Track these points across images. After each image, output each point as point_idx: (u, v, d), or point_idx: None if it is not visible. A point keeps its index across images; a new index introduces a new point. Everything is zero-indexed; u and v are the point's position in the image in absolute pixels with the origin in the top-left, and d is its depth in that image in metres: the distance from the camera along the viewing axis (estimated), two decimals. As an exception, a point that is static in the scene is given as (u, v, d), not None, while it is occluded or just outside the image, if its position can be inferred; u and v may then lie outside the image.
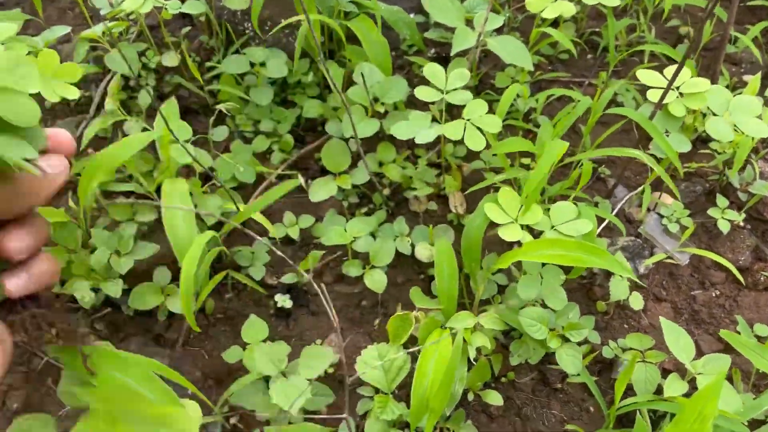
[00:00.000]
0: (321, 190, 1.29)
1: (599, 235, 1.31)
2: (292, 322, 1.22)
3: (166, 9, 1.29)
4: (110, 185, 1.24)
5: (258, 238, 1.14)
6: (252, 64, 1.36)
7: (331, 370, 1.14)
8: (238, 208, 1.17)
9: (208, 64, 1.48)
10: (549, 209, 1.08)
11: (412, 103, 1.45)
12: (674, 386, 1.04)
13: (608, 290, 1.21)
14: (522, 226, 1.05)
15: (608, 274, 1.26)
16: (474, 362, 1.06)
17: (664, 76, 1.18)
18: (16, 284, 0.51)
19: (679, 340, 1.07)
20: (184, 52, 1.39)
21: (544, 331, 1.05)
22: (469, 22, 1.31)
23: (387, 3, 1.41)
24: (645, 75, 1.19)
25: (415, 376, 0.93)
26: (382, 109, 1.28)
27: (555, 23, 1.62)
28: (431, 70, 1.16)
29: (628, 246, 1.30)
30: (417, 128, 1.13)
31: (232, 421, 1.09)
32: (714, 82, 1.46)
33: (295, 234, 1.28)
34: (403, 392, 1.09)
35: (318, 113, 1.41)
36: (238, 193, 1.31)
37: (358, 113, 1.26)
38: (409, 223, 1.29)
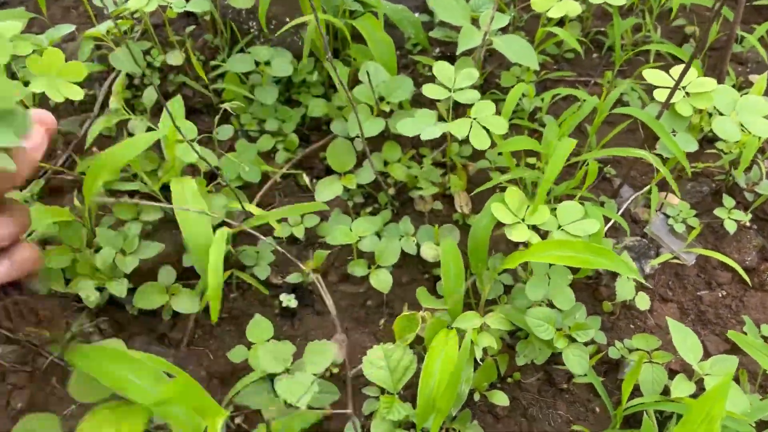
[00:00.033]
0: (326, 190, 1.29)
1: (605, 235, 1.30)
2: (297, 322, 1.21)
3: (170, 7, 1.28)
4: (114, 184, 1.23)
5: (263, 237, 1.14)
6: (257, 63, 1.35)
7: (336, 370, 1.14)
8: (243, 208, 1.16)
9: (212, 62, 1.47)
10: (555, 209, 1.08)
11: (417, 102, 1.45)
12: (681, 387, 1.03)
13: (614, 290, 1.20)
14: (529, 227, 1.04)
15: (614, 275, 1.25)
16: (480, 362, 1.06)
17: (670, 76, 1.17)
18: None
19: (686, 341, 1.06)
20: (189, 50, 1.38)
21: (551, 331, 1.05)
22: (474, 21, 1.31)
23: (392, 2, 1.41)
24: (651, 74, 1.18)
25: (422, 377, 0.93)
26: (387, 109, 1.28)
27: (560, 22, 1.61)
28: (440, 68, 1.16)
29: (633, 246, 1.29)
30: (423, 125, 1.12)
31: (237, 420, 1.08)
32: (720, 81, 1.46)
33: (300, 233, 1.28)
34: (408, 392, 1.09)
35: (323, 112, 1.40)
36: (243, 192, 1.31)
37: (363, 112, 1.25)
38: (414, 222, 1.28)
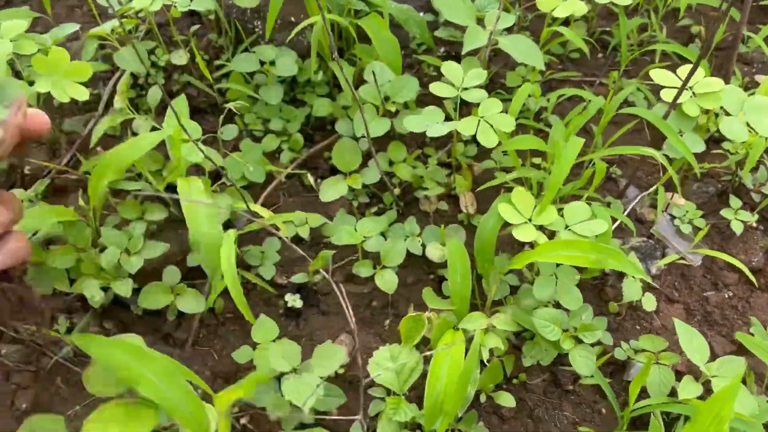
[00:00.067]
0: (331, 190, 1.28)
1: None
2: (302, 322, 1.21)
3: (174, 7, 1.28)
4: (119, 184, 1.23)
5: (271, 233, 1.14)
6: (262, 63, 1.35)
7: (341, 371, 1.14)
8: (248, 208, 1.16)
9: (216, 62, 1.47)
10: (562, 209, 1.07)
11: (422, 102, 1.44)
12: (688, 388, 1.03)
13: (620, 291, 1.20)
14: (536, 227, 1.04)
15: (620, 275, 1.25)
16: (486, 363, 1.06)
17: (677, 76, 1.17)
18: None
19: (693, 342, 1.06)
20: (194, 50, 1.38)
21: (558, 332, 1.04)
22: (479, 21, 1.30)
23: (397, 1, 1.41)
24: (658, 74, 1.18)
25: (429, 379, 0.92)
26: (393, 108, 1.28)
27: (565, 22, 1.61)
28: (448, 67, 1.16)
29: (640, 247, 1.29)
30: (430, 122, 1.12)
31: (243, 421, 1.08)
32: (727, 82, 1.45)
33: (305, 233, 1.27)
34: (413, 393, 1.09)
35: (328, 112, 1.40)
36: (248, 192, 1.30)
37: (369, 112, 1.25)
38: (419, 223, 1.28)
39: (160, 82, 1.46)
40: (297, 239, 1.30)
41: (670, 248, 1.31)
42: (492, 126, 1.10)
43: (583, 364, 1.06)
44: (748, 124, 1.14)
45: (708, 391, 1.05)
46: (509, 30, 1.52)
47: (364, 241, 1.20)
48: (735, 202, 1.33)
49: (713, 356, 1.06)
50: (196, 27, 1.52)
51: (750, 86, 1.60)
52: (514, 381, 1.14)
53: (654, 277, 1.28)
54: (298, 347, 1.03)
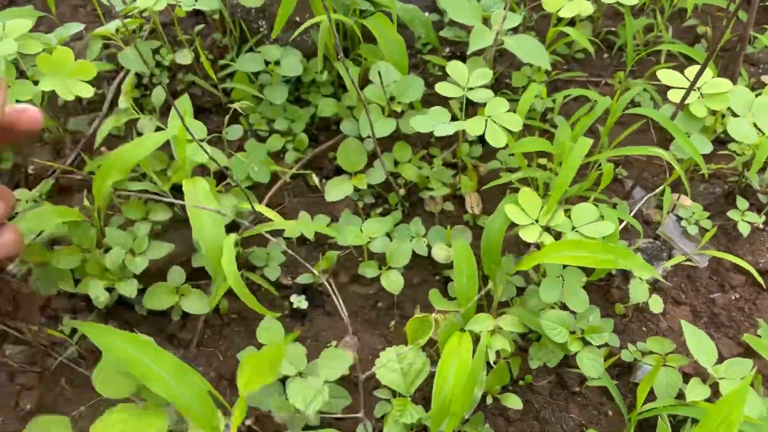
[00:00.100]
0: (336, 190, 1.28)
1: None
2: (308, 323, 1.20)
3: (179, 6, 1.28)
4: (124, 184, 1.22)
5: (272, 238, 1.13)
6: (267, 63, 1.34)
7: (346, 372, 1.13)
8: (253, 208, 1.15)
9: (221, 62, 1.47)
10: (569, 210, 1.07)
11: (427, 102, 1.43)
12: (696, 391, 1.02)
13: (626, 292, 1.19)
14: (543, 228, 1.03)
15: (626, 277, 1.25)
16: (493, 365, 1.05)
17: (685, 77, 1.16)
18: None
19: (700, 344, 1.06)
20: (199, 49, 1.37)
21: (565, 334, 1.04)
22: (485, 21, 1.29)
23: (402, 1, 1.40)
24: (665, 75, 1.17)
25: (436, 380, 0.92)
26: (398, 109, 1.27)
27: (571, 22, 1.60)
28: (454, 67, 1.16)
29: (646, 248, 1.28)
30: (436, 122, 1.12)
31: (248, 422, 1.07)
32: (734, 82, 1.44)
33: (310, 234, 1.27)
34: (419, 395, 1.08)
35: (332, 112, 1.40)
36: (253, 192, 1.30)
37: (374, 112, 1.24)
38: (424, 223, 1.27)
39: (164, 81, 1.46)
40: (302, 240, 1.30)
41: (676, 249, 1.30)
42: (500, 125, 1.10)
43: (591, 366, 1.05)
44: (755, 125, 1.13)
45: (715, 393, 1.05)
46: (514, 30, 1.51)
47: (369, 242, 1.20)
48: (742, 203, 1.32)
49: (720, 358, 1.05)
50: (200, 26, 1.51)
51: (756, 87, 1.59)
52: (521, 383, 1.14)
53: (661, 278, 1.27)
54: (303, 350, 1.02)
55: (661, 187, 1.32)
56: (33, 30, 1.20)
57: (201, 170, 1.30)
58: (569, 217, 1.06)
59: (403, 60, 1.29)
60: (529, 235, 1.02)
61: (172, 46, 1.48)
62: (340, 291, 1.21)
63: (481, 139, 1.33)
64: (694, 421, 1.05)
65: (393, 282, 1.18)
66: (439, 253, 1.21)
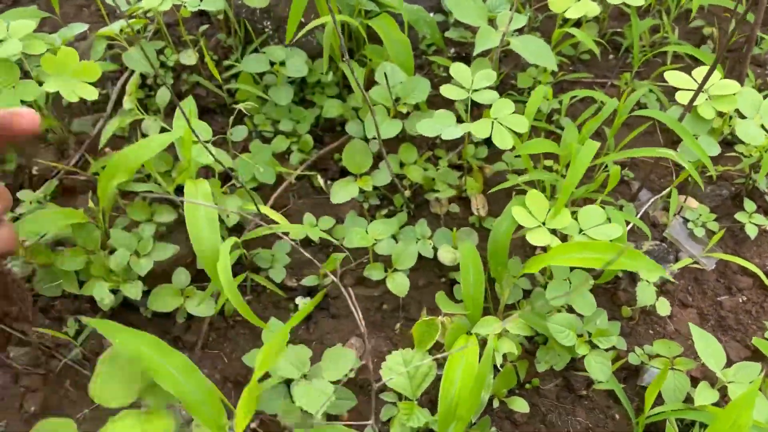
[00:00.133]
0: (342, 192, 1.27)
1: (623, 239, 1.28)
2: (313, 325, 1.20)
3: (184, 7, 1.27)
4: (128, 185, 1.22)
5: (278, 239, 1.13)
6: (272, 63, 1.34)
7: (352, 375, 1.12)
8: (258, 210, 1.15)
9: (225, 62, 1.46)
10: (576, 213, 1.06)
11: (433, 103, 1.43)
12: (704, 395, 1.02)
13: (633, 295, 1.19)
14: (549, 230, 1.03)
15: (633, 279, 1.24)
16: (500, 368, 1.04)
17: (692, 78, 1.16)
18: None
19: (708, 347, 1.05)
20: (203, 49, 1.37)
21: (573, 337, 1.03)
22: (491, 22, 1.29)
23: (407, 2, 1.39)
24: (673, 76, 1.17)
25: (442, 384, 0.91)
26: (404, 110, 1.26)
27: (577, 23, 1.59)
28: (457, 69, 1.15)
29: (652, 251, 1.28)
30: (442, 126, 1.11)
31: (253, 425, 1.07)
32: (740, 84, 1.44)
33: (315, 236, 1.26)
34: (425, 398, 1.08)
35: (337, 113, 1.39)
36: (258, 193, 1.29)
37: (380, 114, 1.24)
38: (429, 225, 1.27)
39: (168, 82, 1.45)
40: (307, 241, 1.29)
41: (683, 252, 1.30)
42: (506, 128, 1.09)
43: (599, 369, 1.05)
44: (763, 127, 1.13)
45: (724, 397, 1.04)
46: (520, 31, 1.51)
47: (375, 244, 1.19)
48: (749, 205, 1.32)
49: (728, 362, 1.04)
50: (205, 27, 1.51)
51: (763, 88, 1.58)
52: (527, 386, 1.13)
53: (667, 281, 1.26)
54: (308, 352, 1.01)
55: (668, 189, 1.32)
56: (37, 30, 1.19)
57: (206, 171, 1.30)
58: (576, 219, 1.05)
59: (409, 61, 1.28)
60: (536, 238, 1.01)
61: (176, 46, 1.47)
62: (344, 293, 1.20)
63: (487, 141, 1.32)
64: (703, 426, 1.05)
65: (399, 284, 1.18)
66: (445, 256, 1.20)
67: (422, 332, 1.01)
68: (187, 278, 1.14)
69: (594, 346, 1.06)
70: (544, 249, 1.15)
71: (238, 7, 1.44)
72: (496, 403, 1.08)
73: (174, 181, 1.20)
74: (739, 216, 1.31)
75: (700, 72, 1.15)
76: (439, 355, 0.88)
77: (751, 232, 1.29)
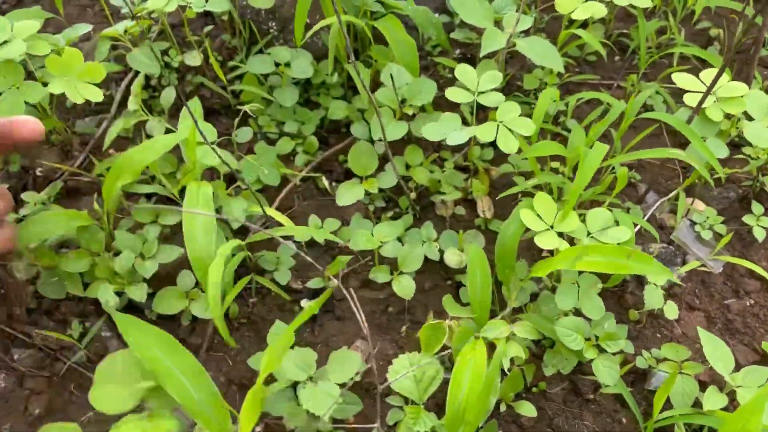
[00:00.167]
0: (348, 194, 1.26)
1: (630, 242, 1.28)
2: (318, 328, 1.19)
3: (189, 7, 1.27)
4: (132, 187, 1.22)
5: (283, 241, 1.12)
6: (277, 64, 1.33)
7: (357, 378, 1.12)
8: (264, 211, 1.14)
9: (230, 63, 1.45)
10: (584, 216, 1.05)
11: (438, 104, 1.42)
12: (713, 399, 1.01)
13: (640, 298, 1.18)
14: (558, 234, 1.02)
15: (640, 282, 1.23)
16: (507, 372, 1.04)
17: (700, 80, 1.15)
18: None
19: (717, 351, 1.04)
20: (208, 50, 1.36)
21: (581, 341, 1.03)
22: (497, 23, 1.28)
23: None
24: (681, 78, 1.16)
25: (450, 388, 0.91)
26: (410, 112, 1.26)
27: (583, 24, 1.59)
28: (462, 70, 1.14)
29: (660, 253, 1.27)
30: (447, 129, 1.10)
31: (258, 429, 1.06)
32: (748, 85, 1.43)
33: (320, 238, 1.25)
34: (432, 402, 1.07)
35: (343, 115, 1.38)
36: (262, 195, 1.29)
37: (386, 115, 1.23)
38: (435, 227, 1.26)
39: (173, 83, 1.45)
40: (312, 243, 1.28)
41: (690, 255, 1.29)
42: (511, 131, 1.08)
43: (607, 373, 1.04)
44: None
45: (732, 402, 1.03)
46: (526, 32, 1.50)
47: (380, 246, 1.19)
48: (757, 208, 1.31)
49: (737, 366, 1.04)
50: (209, 28, 1.50)
51: (770, 90, 1.58)
52: (534, 390, 1.12)
53: (674, 284, 1.26)
54: (313, 355, 1.01)
55: (675, 191, 1.31)
56: (41, 31, 1.19)
57: (211, 173, 1.29)
58: (584, 222, 1.04)
59: (415, 62, 1.28)
60: (545, 241, 1.00)
61: (180, 47, 1.47)
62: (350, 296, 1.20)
63: (493, 143, 1.31)
64: (712, 430, 1.04)
65: (404, 287, 1.17)
66: (452, 258, 1.20)
67: (429, 336, 1.00)
68: (192, 281, 1.13)
69: (602, 350, 1.06)
70: (552, 252, 1.15)
71: (242, 8, 1.43)
72: (503, 407, 1.08)
73: (179, 183, 1.19)
74: (746, 219, 1.30)
75: (707, 74, 1.15)
76: (445, 356, 0.87)
77: (759, 234, 1.28)
